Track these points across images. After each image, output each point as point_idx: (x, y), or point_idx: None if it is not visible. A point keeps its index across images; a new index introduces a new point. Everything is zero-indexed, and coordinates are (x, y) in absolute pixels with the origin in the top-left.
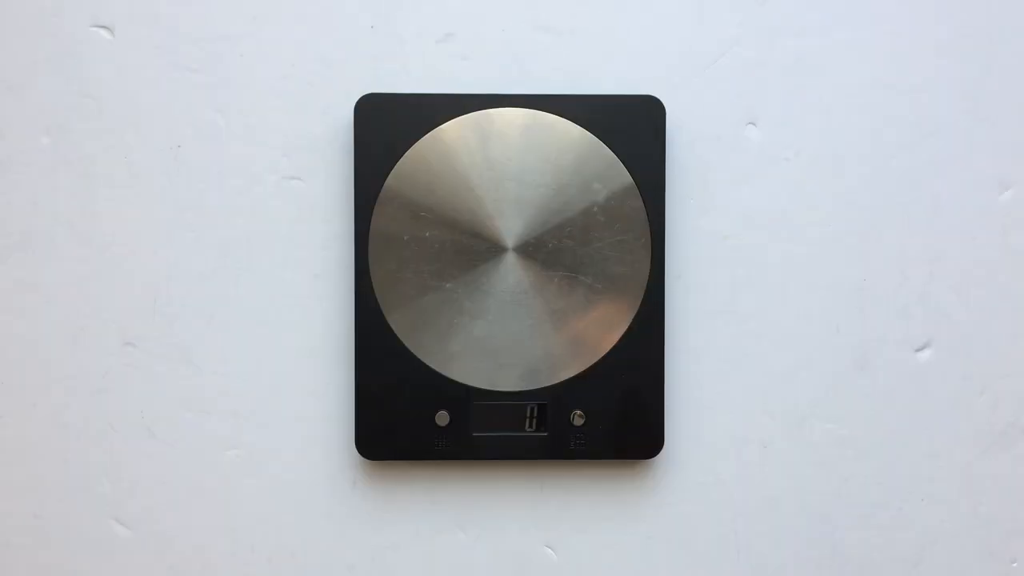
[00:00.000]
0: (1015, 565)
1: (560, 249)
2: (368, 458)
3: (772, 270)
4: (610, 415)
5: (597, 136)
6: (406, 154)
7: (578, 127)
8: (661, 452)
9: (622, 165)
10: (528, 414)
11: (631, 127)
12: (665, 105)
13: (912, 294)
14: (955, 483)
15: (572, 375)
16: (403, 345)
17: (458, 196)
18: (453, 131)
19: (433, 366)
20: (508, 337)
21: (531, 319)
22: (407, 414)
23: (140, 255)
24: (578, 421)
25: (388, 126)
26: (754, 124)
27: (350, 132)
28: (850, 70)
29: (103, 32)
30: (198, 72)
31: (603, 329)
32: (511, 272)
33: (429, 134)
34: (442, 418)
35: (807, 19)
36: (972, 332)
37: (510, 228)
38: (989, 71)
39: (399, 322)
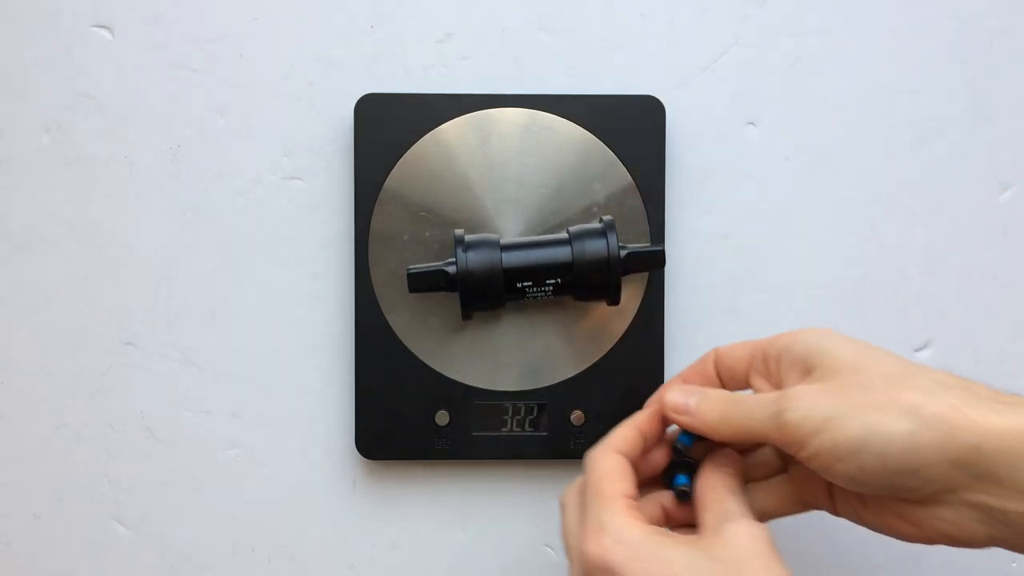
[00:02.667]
0: (1015, 565)
1: None
2: (368, 458)
3: (772, 270)
4: (610, 415)
5: (597, 136)
6: (406, 154)
7: (578, 127)
8: None
9: (622, 165)
10: (528, 414)
11: (631, 127)
12: (665, 105)
13: (912, 294)
14: None
15: (572, 375)
16: (403, 345)
17: (458, 196)
18: (453, 131)
19: (433, 366)
20: (508, 337)
21: (531, 319)
22: (407, 414)
23: (140, 255)
24: (578, 421)
25: (388, 126)
26: (754, 124)
27: (350, 132)
28: (850, 70)
29: (103, 32)
30: (198, 72)
31: (603, 329)
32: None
33: (429, 134)
34: (442, 418)
35: (807, 19)
36: (972, 332)
37: (510, 228)
38: (989, 71)
39: (399, 322)
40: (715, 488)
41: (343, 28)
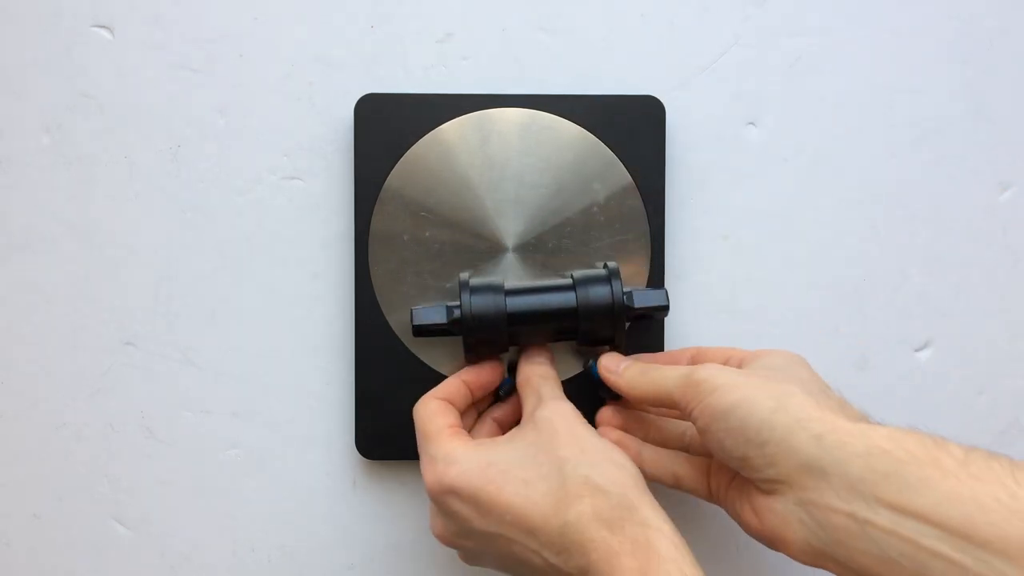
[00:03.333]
0: None
1: (560, 249)
2: (368, 458)
3: (772, 270)
4: None
5: (597, 136)
6: (406, 154)
7: (578, 127)
8: None
9: (622, 165)
10: None
11: (631, 127)
12: (665, 105)
13: (912, 294)
14: None
15: (572, 375)
16: (403, 345)
17: (458, 196)
18: (453, 131)
19: (433, 366)
20: None
21: None
22: (407, 414)
23: (140, 255)
24: None
25: (388, 126)
26: (754, 124)
27: (350, 132)
28: (850, 70)
29: (103, 32)
30: (198, 72)
31: None
32: (511, 272)
33: (429, 134)
34: None
35: (807, 19)
36: (972, 332)
37: (510, 228)
38: (989, 71)
39: (399, 322)
40: (528, 380)
41: (343, 28)
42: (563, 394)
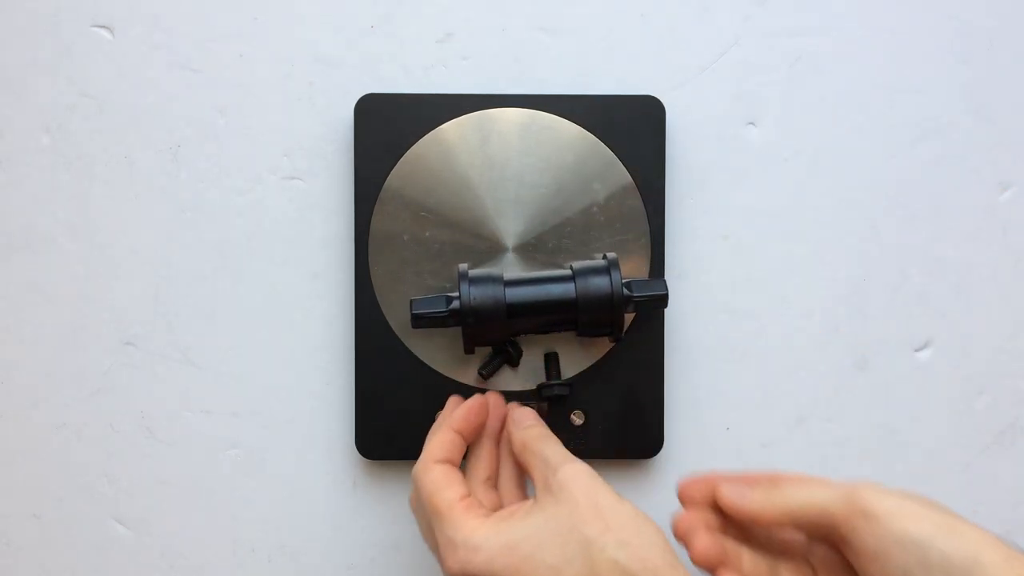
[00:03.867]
0: None
1: (560, 249)
2: (368, 458)
3: (772, 270)
4: (610, 415)
5: (597, 136)
6: (406, 154)
7: (578, 127)
8: (661, 452)
9: (622, 165)
10: None
11: (631, 127)
12: (665, 105)
13: (912, 294)
14: (955, 483)
15: (572, 375)
16: (403, 345)
17: (458, 196)
18: (453, 131)
19: (433, 366)
20: None
21: None
22: (407, 414)
23: (140, 255)
24: (578, 421)
25: (388, 126)
26: (754, 124)
27: (350, 132)
28: (850, 70)
29: (103, 32)
30: (198, 72)
31: None
32: (511, 272)
33: (429, 134)
34: None
35: (807, 19)
36: (972, 332)
37: (510, 228)
38: (989, 71)
39: (399, 322)
40: (525, 446)
41: (343, 28)
42: (569, 453)
